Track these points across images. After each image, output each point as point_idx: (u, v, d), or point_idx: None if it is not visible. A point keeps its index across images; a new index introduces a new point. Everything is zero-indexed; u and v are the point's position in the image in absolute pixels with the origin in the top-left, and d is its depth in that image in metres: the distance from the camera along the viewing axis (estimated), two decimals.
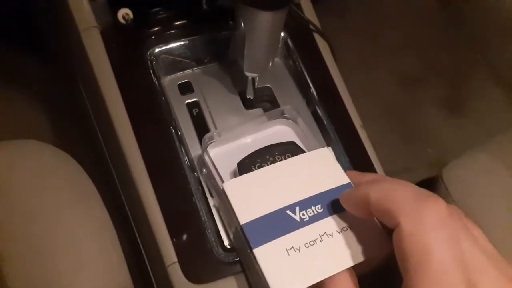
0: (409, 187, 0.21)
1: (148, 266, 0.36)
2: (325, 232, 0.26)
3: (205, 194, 0.33)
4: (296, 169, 0.29)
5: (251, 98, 0.37)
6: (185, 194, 0.33)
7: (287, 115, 0.35)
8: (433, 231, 0.19)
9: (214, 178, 0.31)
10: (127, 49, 0.38)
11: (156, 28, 0.39)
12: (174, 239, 0.31)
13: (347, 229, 0.26)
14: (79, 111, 0.46)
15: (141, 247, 0.36)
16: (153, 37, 0.38)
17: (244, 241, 0.26)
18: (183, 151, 0.34)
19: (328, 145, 0.38)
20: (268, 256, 0.25)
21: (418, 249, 0.19)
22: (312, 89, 0.39)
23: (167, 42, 0.38)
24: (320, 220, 0.26)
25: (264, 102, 0.39)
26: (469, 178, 0.42)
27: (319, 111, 0.39)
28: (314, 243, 0.25)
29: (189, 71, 0.39)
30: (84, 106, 0.44)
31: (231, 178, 0.32)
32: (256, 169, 0.30)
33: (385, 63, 0.82)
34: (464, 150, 0.45)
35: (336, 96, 0.40)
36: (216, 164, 0.31)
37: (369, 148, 0.38)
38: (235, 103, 0.38)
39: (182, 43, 0.38)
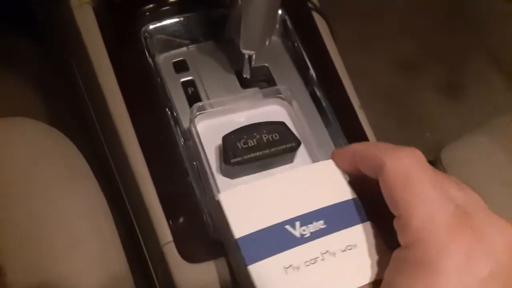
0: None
1: (142, 245, 0.35)
2: (327, 250, 0.24)
3: (200, 173, 0.32)
4: (298, 181, 0.26)
5: (248, 77, 0.36)
6: (180, 173, 0.32)
7: (282, 95, 0.34)
8: (413, 165, 0.21)
9: (198, 151, 0.30)
10: (121, 26, 0.37)
11: (150, 5, 0.37)
12: (169, 219, 0.31)
13: (351, 248, 0.24)
14: (72, 90, 0.46)
15: (136, 226, 0.36)
16: (147, 13, 0.37)
17: (239, 255, 0.24)
18: (178, 131, 0.34)
19: (326, 126, 0.37)
20: (264, 274, 0.23)
21: (400, 179, 0.21)
22: (311, 69, 0.38)
23: (162, 19, 0.37)
24: (323, 237, 0.24)
25: (261, 82, 0.39)
26: (468, 160, 0.41)
27: (317, 91, 0.38)
28: (315, 262, 0.23)
29: (184, 49, 0.38)
30: (77, 85, 0.43)
31: (216, 152, 0.32)
32: (241, 145, 0.30)
33: (383, 47, 0.81)
34: (462, 135, 0.44)
35: (334, 76, 0.39)
36: (202, 137, 0.30)
37: (367, 129, 0.38)
38: (231, 82, 0.37)
39: (177, 20, 0.37)
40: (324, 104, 0.37)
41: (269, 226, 0.24)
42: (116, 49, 0.35)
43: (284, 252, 0.24)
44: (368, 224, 0.25)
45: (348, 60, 0.42)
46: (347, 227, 0.25)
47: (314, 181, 0.26)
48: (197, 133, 0.31)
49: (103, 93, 0.35)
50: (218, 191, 0.29)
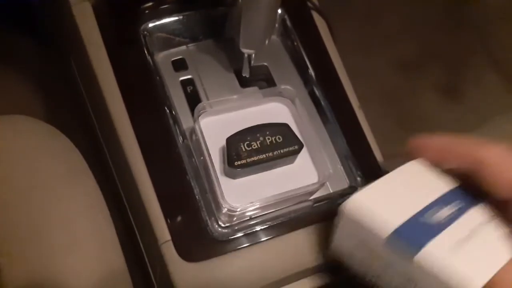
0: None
1: (140, 244, 0.35)
2: (480, 222, 0.25)
3: (200, 172, 0.32)
4: (402, 181, 0.27)
5: (247, 76, 0.36)
6: (179, 172, 0.32)
7: (285, 95, 0.34)
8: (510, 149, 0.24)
9: (202, 151, 0.31)
10: (120, 24, 0.37)
11: (150, 3, 0.37)
12: (167, 217, 0.30)
13: (491, 220, 0.25)
14: (71, 89, 0.45)
15: (134, 225, 0.36)
16: (147, 11, 0.37)
17: (393, 256, 0.23)
18: (177, 129, 0.34)
19: (324, 125, 0.37)
20: (434, 256, 0.22)
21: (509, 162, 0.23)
22: (310, 69, 0.38)
23: (161, 17, 0.37)
24: (464, 214, 0.25)
25: (260, 81, 0.39)
26: None
27: (316, 91, 0.38)
28: (475, 233, 0.24)
29: (184, 47, 0.38)
30: (75, 83, 0.43)
31: (219, 151, 0.32)
32: (245, 147, 0.30)
33: (383, 47, 0.81)
34: None
35: (333, 76, 0.39)
36: (206, 134, 0.31)
37: (366, 129, 0.38)
38: (230, 81, 0.37)
39: (177, 18, 0.37)
40: (323, 103, 0.37)
41: (412, 216, 0.24)
42: (115, 47, 0.35)
43: (442, 233, 0.24)
44: (485, 202, 0.26)
45: (348, 61, 0.42)
46: (480, 202, 0.26)
47: (415, 177, 0.27)
48: (202, 134, 0.31)
49: (101, 91, 0.34)
50: (222, 195, 0.29)
